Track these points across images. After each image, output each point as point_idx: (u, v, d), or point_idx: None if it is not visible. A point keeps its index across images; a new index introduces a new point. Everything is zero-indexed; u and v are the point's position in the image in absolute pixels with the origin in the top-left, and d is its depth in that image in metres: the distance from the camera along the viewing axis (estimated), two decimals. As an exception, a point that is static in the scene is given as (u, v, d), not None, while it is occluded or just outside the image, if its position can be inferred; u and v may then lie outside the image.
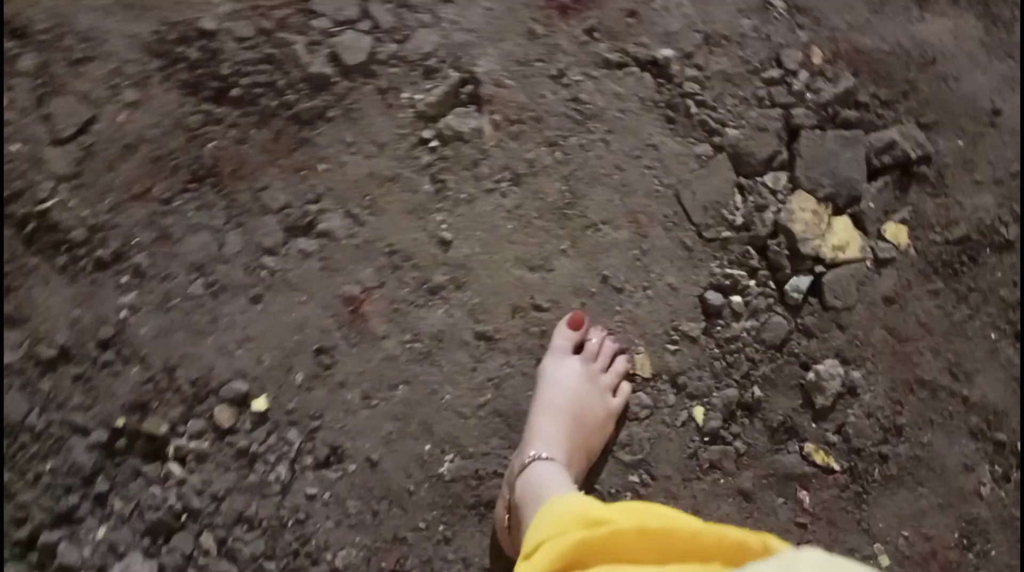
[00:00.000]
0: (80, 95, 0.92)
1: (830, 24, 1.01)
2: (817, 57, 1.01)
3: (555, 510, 0.66)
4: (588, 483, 0.89)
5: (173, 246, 0.91)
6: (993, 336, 1.00)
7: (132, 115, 0.92)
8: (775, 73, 1.00)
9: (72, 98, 0.92)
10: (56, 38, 0.93)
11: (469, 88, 0.95)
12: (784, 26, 1.00)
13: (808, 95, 1.00)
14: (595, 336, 0.91)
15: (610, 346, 0.92)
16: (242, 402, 0.89)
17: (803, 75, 1.00)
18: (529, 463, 0.79)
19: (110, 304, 0.89)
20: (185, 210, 0.92)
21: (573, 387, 0.86)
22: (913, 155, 1.00)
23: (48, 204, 0.90)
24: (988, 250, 1.01)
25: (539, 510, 0.68)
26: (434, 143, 0.95)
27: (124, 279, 0.90)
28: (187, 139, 0.92)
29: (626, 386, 0.91)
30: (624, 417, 0.92)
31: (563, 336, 0.90)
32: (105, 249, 0.90)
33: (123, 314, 0.89)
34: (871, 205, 1.00)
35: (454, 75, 0.95)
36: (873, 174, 1.00)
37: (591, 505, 0.66)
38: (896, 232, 1.00)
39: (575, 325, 0.90)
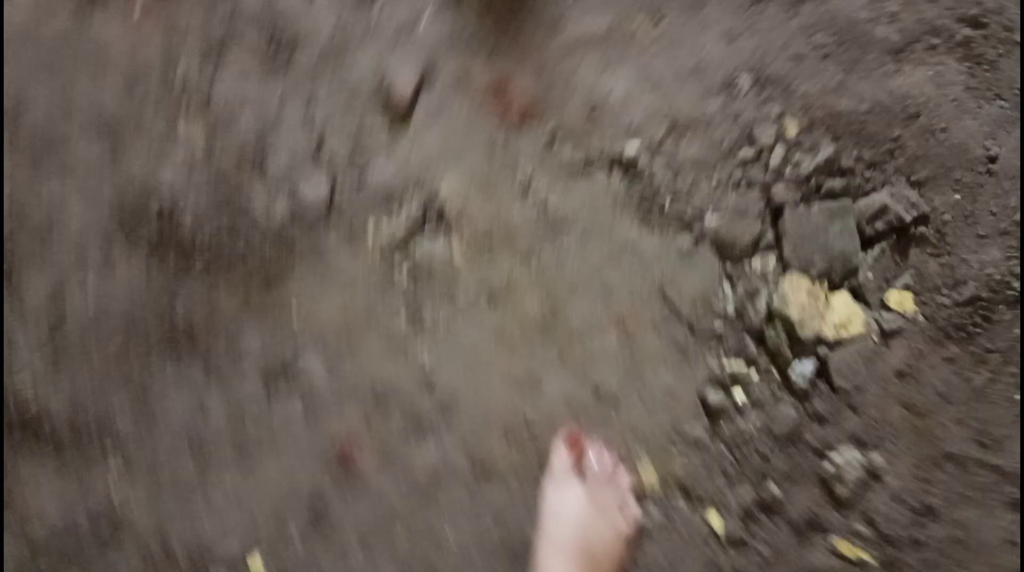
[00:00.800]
0: (45, 267, 0.92)
1: (801, 92, 0.97)
2: (792, 128, 0.96)
3: None
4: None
5: (155, 410, 0.90)
6: (1017, 397, 0.93)
7: (99, 284, 0.92)
8: (749, 152, 0.95)
9: (37, 271, 0.92)
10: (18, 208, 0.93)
11: (435, 211, 0.93)
12: (753, 102, 0.96)
13: (787, 170, 0.95)
14: (593, 451, 0.87)
15: (609, 459, 0.88)
16: (240, 564, 0.87)
17: (779, 150, 0.95)
18: None
19: (99, 478, 0.88)
20: (163, 371, 0.91)
21: (578, 515, 0.82)
22: (908, 217, 0.94)
23: (27, 387, 0.89)
24: (1002, 307, 0.94)
25: None
26: (405, 272, 0.92)
27: (110, 451, 0.89)
28: (156, 299, 0.91)
29: (632, 502, 0.87)
30: (637, 537, 0.87)
31: (560, 457, 0.86)
32: (88, 422, 0.89)
33: (112, 487, 0.88)
34: (869, 275, 0.95)
35: (418, 200, 0.93)
36: (868, 242, 0.95)
37: None
38: (901, 300, 0.95)
39: (571, 443, 0.87)
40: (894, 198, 0.95)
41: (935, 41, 0.98)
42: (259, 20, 0.92)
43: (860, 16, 0.98)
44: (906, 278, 0.95)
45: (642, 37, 0.97)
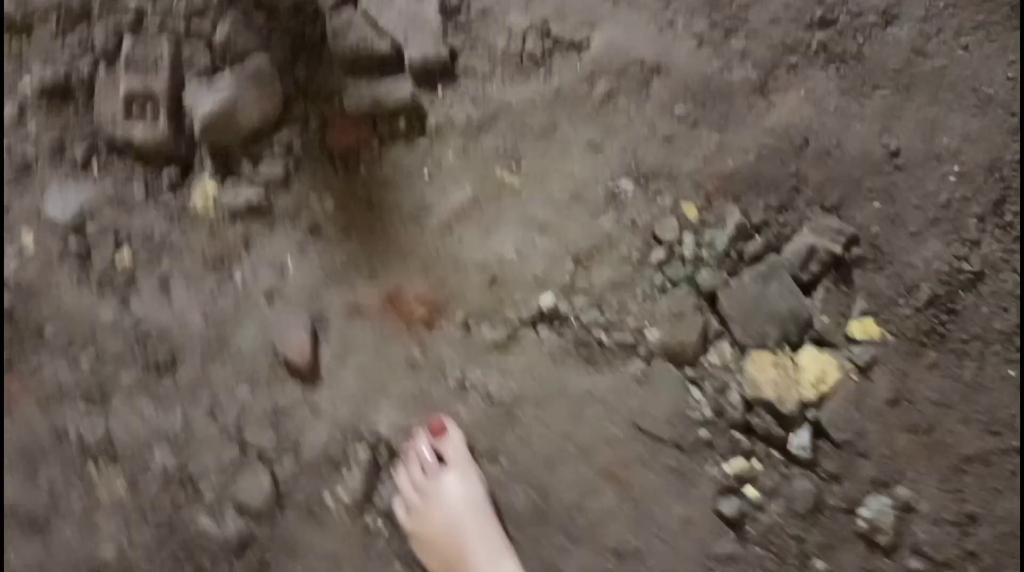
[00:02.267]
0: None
1: (685, 171, 0.92)
2: (691, 211, 0.92)
3: None
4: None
5: None
6: (1011, 372, 0.91)
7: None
8: (660, 253, 0.91)
9: None
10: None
11: (384, 451, 0.89)
12: (643, 203, 0.91)
13: (704, 253, 0.91)
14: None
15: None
16: None
17: (687, 238, 0.91)
18: None
19: None
20: None
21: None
22: (837, 247, 0.91)
23: None
24: (961, 293, 0.92)
25: None
26: (380, 522, 0.89)
27: None
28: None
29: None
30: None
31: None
32: None
33: None
34: (824, 319, 0.91)
35: (363, 450, 0.88)
36: (810, 287, 0.92)
37: None
38: (864, 328, 0.92)
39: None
40: (816, 233, 0.91)
41: (793, 59, 0.93)
42: (127, 353, 0.86)
43: (709, 70, 0.92)
44: (861, 304, 0.92)
45: (510, 187, 0.91)
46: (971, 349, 0.92)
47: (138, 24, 0.87)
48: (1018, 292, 0.91)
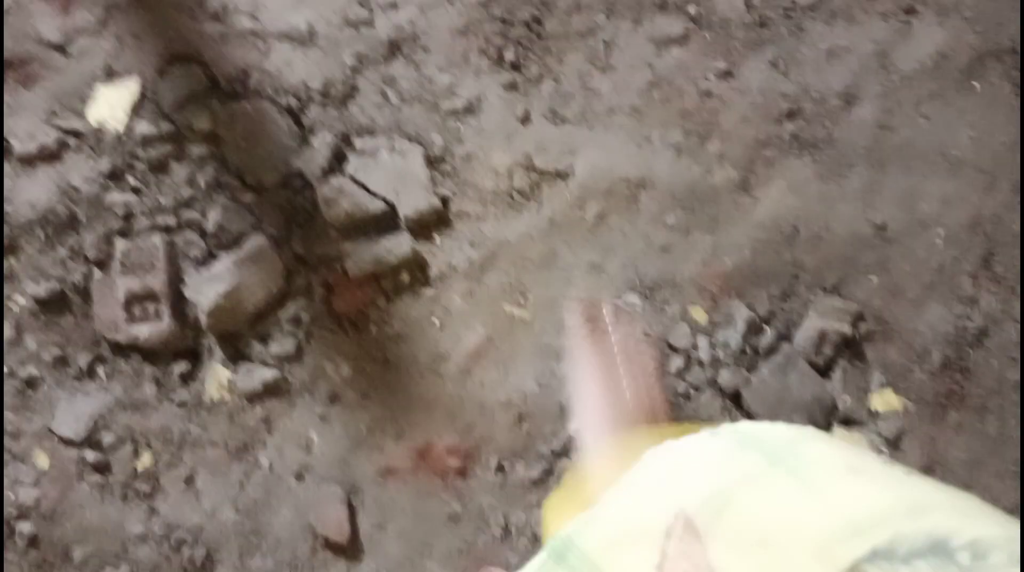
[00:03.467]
0: None
1: (687, 277, 0.93)
2: (700, 314, 0.93)
3: None
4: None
5: None
6: (1033, 418, 0.94)
7: None
8: (678, 361, 0.92)
9: None
10: None
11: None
12: (651, 314, 0.93)
13: (720, 353, 0.92)
14: (606, 310, 0.81)
15: (619, 314, 0.80)
16: None
17: (702, 341, 0.92)
18: None
19: None
20: None
21: (597, 376, 0.74)
22: (845, 327, 0.93)
23: None
24: (970, 350, 0.94)
25: None
26: None
27: None
28: None
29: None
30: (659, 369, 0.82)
31: (574, 330, 0.80)
32: None
33: None
34: (847, 399, 0.93)
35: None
36: (827, 369, 0.93)
37: None
38: (885, 400, 0.93)
39: (585, 314, 0.80)
40: (823, 315, 0.93)
41: (769, 153, 0.96)
42: (162, 562, 0.83)
43: (692, 176, 0.95)
44: (878, 377, 0.93)
45: (520, 320, 0.91)
46: (990, 404, 0.94)
47: (128, 225, 0.86)
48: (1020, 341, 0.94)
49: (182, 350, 0.86)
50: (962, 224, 0.96)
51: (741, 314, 0.93)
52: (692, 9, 0.99)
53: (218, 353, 0.86)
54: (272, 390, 0.87)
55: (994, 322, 0.95)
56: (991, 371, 0.94)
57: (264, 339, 0.87)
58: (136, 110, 0.91)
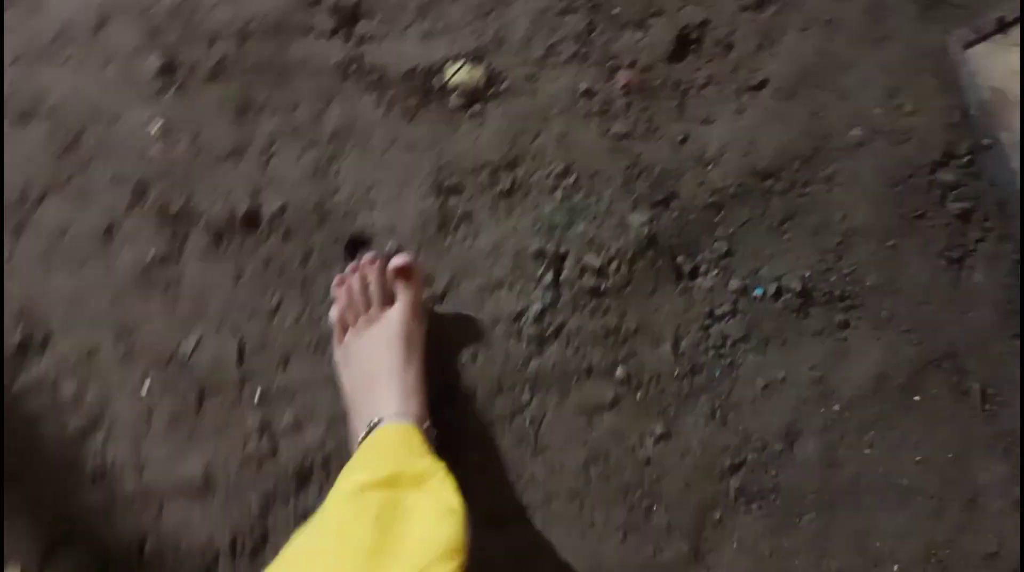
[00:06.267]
0: None
1: None
2: None
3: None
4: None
5: None
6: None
7: None
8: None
9: None
10: None
11: None
12: None
13: None
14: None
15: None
16: None
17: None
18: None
19: None
20: None
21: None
22: None
23: None
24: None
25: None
26: None
27: None
28: None
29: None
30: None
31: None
32: None
33: None
34: None
35: None
36: None
37: None
38: None
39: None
40: None
41: (716, 515, 0.91)
42: None
43: (642, 557, 0.89)
44: None
45: None
46: None
47: None
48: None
49: None
50: (915, 557, 0.94)
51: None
52: (620, 371, 0.92)
53: None
54: None
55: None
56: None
57: None
58: None
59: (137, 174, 0.87)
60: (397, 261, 0.87)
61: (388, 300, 0.87)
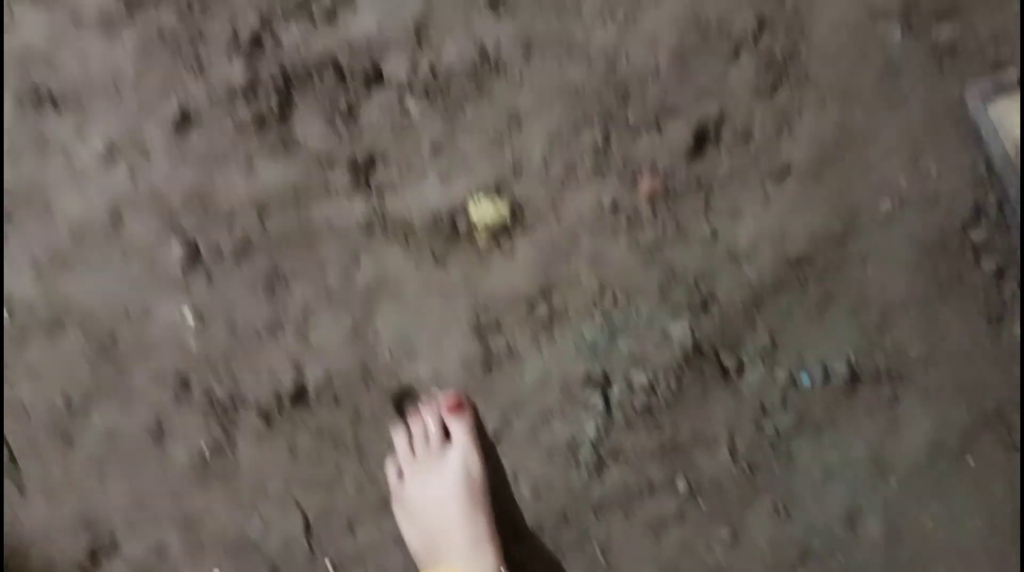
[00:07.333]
0: None
1: None
2: None
3: None
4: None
5: None
6: None
7: None
8: None
9: None
10: None
11: None
12: None
13: None
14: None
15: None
16: None
17: None
18: None
19: None
20: None
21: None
22: None
23: None
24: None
25: None
26: None
27: None
28: None
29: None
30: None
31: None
32: None
33: None
34: None
35: None
36: None
37: None
38: None
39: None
40: None
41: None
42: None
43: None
44: None
45: None
46: None
47: None
48: None
49: None
50: (987, 615, 0.96)
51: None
52: (680, 483, 0.93)
53: None
54: None
55: None
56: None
57: None
58: None
59: (176, 366, 0.86)
60: (446, 398, 0.87)
61: (445, 440, 0.87)
